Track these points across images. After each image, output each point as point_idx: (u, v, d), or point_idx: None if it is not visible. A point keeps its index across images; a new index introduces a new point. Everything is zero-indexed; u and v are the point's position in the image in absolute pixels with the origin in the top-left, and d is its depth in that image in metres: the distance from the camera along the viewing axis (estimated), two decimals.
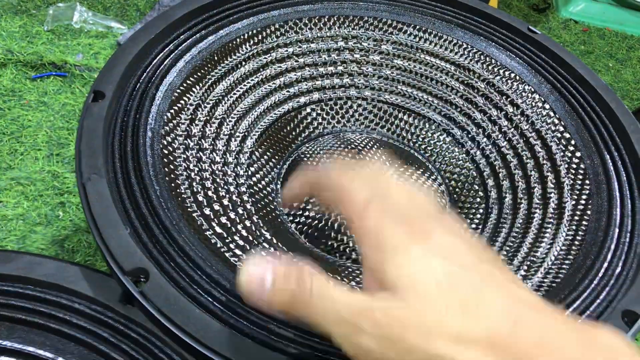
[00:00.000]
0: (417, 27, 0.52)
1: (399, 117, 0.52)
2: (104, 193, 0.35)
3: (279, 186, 0.46)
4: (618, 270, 0.37)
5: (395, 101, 0.52)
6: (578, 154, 0.44)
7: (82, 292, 0.34)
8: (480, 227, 0.46)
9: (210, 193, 0.39)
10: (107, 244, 0.32)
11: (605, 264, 0.37)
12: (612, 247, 0.38)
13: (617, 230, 0.39)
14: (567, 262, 0.39)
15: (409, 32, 0.52)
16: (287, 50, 0.49)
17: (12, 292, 0.34)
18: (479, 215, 0.46)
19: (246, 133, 0.46)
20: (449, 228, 0.26)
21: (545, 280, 0.38)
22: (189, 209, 0.37)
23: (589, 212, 0.41)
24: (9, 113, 0.62)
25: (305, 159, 0.47)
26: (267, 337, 0.31)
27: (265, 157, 0.48)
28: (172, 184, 0.37)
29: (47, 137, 0.61)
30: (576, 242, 0.39)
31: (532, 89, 0.48)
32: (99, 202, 0.34)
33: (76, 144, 0.37)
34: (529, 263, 0.40)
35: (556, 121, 0.46)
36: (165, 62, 0.42)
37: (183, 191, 0.38)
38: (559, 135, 0.45)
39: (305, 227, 0.43)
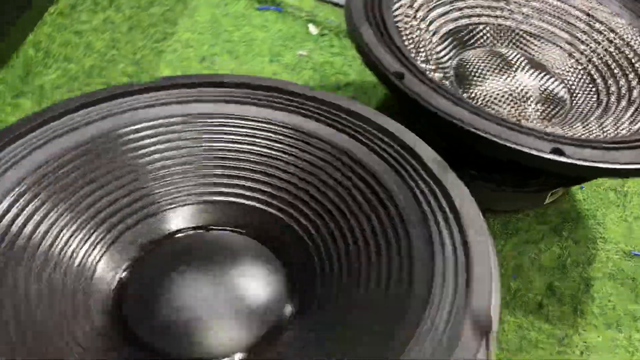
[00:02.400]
0: None
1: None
2: (370, 32, 0.54)
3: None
4: None
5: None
6: None
7: None
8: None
9: None
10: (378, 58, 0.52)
11: None
12: None
13: None
14: None
15: None
16: None
17: None
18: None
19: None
20: None
21: None
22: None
23: None
24: (241, 29, 0.84)
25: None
26: None
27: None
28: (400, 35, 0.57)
29: (268, 49, 0.83)
30: None
31: None
32: (368, 37, 0.54)
33: (348, 9, 0.57)
34: None
35: None
36: None
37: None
38: None
39: None
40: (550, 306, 0.61)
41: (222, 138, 0.48)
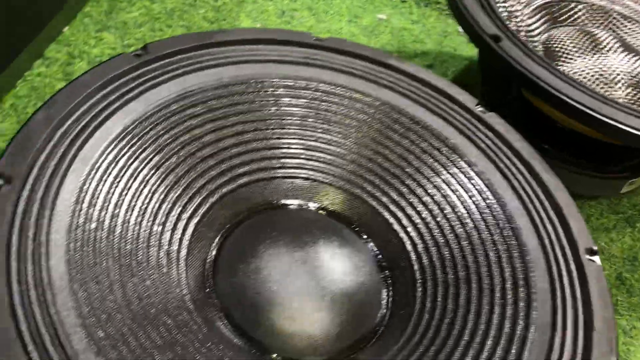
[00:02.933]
0: None
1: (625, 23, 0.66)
2: None
3: None
4: None
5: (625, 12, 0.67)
6: None
7: None
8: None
9: None
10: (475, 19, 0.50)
11: None
12: None
13: None
14: None
15: None
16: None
17: None
18: None
19: (529, 1, 0.63)
20: None
21: None
22: None
23: None
24: None
25: None
26: None
27: (536, 22, 0.64)
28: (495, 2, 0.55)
29: (347, 9, 0.81)
30: None
31: None
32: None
33: None
34: None
35: None
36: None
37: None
38: None
39: None
40: (618, 296, 0.59)
41: (329, 108, 0.48)
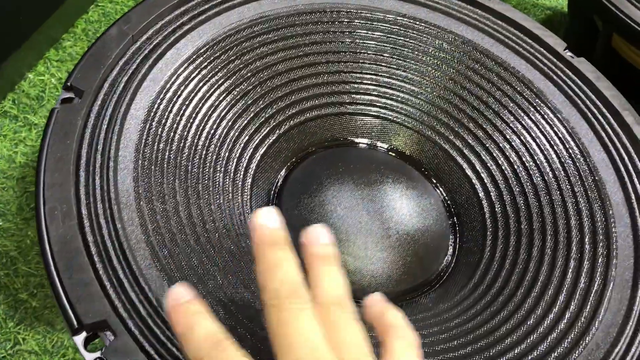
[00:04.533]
0: None
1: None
2: None
3: None
4: None
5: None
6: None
7: None
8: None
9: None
10: None
11: None
12: None
13: None
14: None
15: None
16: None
17: None
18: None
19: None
20: None
21: None
22: None
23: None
24: None
25: None
26: None
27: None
28: None
29: None
30: None
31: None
32: None
33: None
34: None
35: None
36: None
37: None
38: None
39: None
40: None
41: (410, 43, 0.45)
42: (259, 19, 0.42)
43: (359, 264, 0.38)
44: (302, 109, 0.43)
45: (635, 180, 0.39)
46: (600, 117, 0.42)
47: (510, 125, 0.43)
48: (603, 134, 0.41)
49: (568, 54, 0.45)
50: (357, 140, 0.45)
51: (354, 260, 0.38)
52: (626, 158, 0.40)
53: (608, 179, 0.40)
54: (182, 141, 0.36)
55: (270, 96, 0.41)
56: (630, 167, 0.40)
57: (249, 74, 0.41)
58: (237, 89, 0.40)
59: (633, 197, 0.39)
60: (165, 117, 0.36)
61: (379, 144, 0.45)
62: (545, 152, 0.42)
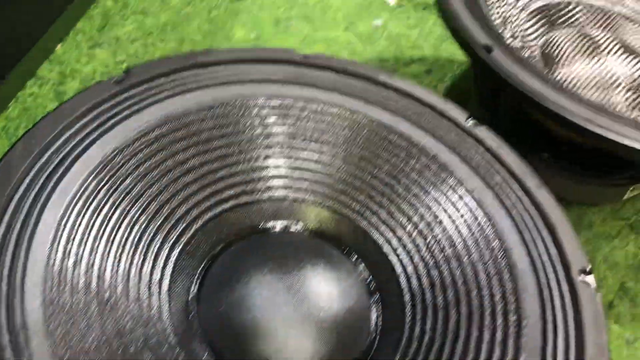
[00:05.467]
0: None
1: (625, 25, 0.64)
2: (459, 3, 0.52)
3: None
4: None
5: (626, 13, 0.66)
6: None
7: None
8: None
9: None
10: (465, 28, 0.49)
11: None
12: None
13: None
14: None
15: None
16: None
17: None
18: None
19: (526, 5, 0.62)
20: None
21: None
22: None
23: None
24: None
25: None
26: None
27: (534, 26, 0.63)
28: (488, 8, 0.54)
29: (343, 17, 0.80)
30: None
31: None
32: (458, 7, 0.51)
33: None
34: None
35: None
36: None
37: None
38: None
39: None
40: (621, 307, 0.58)
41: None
42: (167, 119, 0.43)
43: (284, 357, 0.38)
44: (218, 200, 0.44)
45: (540, 245, 0.41)
46: (503, 184, 0.44)
47: (421, 198, 0.45)
48: (507, 202, 0.43)
49: (470, 123, 0.47)
50: (275, 225, 0.46)
51: (277, 354, 0.38)
52: (530, 224, 0.42)
53: (514, 246, 0.42)
54: (93, 254, 0.36)
55: (183, 193, 0.42)
56: (534, 233, 0.42)
57: (160, 175, 0.41)
58: (149, 191, 0.40)
59: (538, 262, 0.41)
60: (74, 231, 0.36)
61: (296, 227, 0.46)
62: (455, 223, 0.43)
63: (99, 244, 0.37)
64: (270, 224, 0.45)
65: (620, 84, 0.61)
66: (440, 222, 0.44)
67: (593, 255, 0.61)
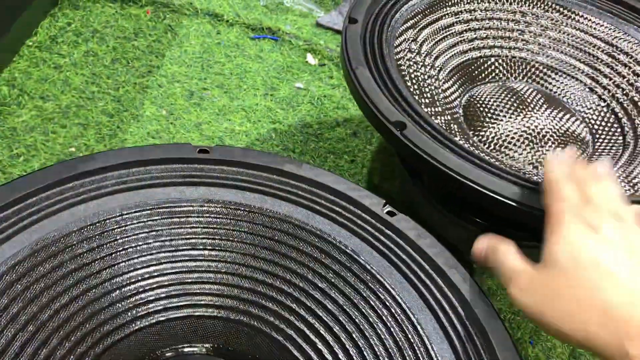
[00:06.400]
0: None
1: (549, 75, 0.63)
2: (367, 76, 0.48)
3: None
4: None
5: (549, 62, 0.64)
6: None
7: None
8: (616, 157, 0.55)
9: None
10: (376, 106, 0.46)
11: None
12: None
13: None
14: None
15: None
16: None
17: None
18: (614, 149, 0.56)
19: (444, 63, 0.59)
20: (623, 228, 0.35)
21: None
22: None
23: None
24: (234, 60, 0.78)
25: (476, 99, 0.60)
26: None
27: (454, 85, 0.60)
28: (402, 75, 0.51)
29: (262, 82, 0.76)
30: None
31: None
32: (365, 82, 0.48)
33: (343, 48, 0.51)
34: None
35: None
36: None
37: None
38: None
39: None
40: None
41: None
42: (39, 244, 0.37)
43: None
44: (105, 332, 0.38)
45: (468, 347, 0.37)
46: (426, 279, 0.40)
47: (340, 304, 0.40)
48: (430, 299, 0.39)
49: (387, 211, 0.43)
50: (173, 350, 0.40)
51: None
52: (457, 322, 0.38)
53: (442, 347, 0.38)
54: None
55: (64, 328, 0.37)
56: (462, 333, 0.38)
57: (32, 313, 0.36)
58: (21, 334, 0.35)
59: None
60: None
61: (196, 349, 0.41)
62: (377, 329, 0.39)
63: None
64: (167, 350, 0.40)
65: (548, 139, 0.59)
66: (363, 332, 0.39)
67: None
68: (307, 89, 0.77)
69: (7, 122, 0.65)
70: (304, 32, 0.84)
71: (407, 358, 0.37)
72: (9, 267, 0.36)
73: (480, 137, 0.58)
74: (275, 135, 0.70)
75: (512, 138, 0.59)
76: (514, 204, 0.43)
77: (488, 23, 0.65)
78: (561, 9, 0.66)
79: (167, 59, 0.76)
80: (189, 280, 0.40)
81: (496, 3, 0.66)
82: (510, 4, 0.66)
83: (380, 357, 0.38)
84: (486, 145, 0.58)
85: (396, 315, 0.39)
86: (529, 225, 0.44)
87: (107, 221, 0.39)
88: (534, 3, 0.66)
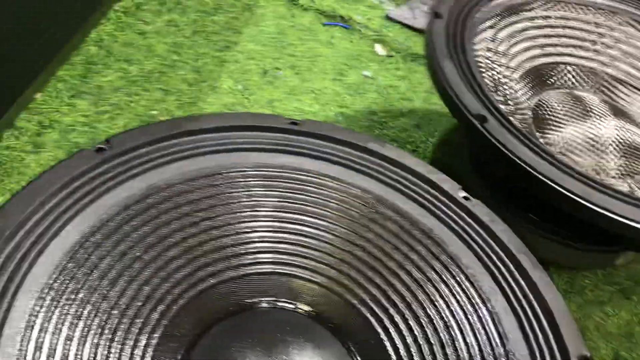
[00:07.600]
0: None
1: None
2: (451, 69, 0.51)
3: None
4: None
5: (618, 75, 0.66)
6: None
7: None
8: None
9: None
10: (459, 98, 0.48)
11: None
12: None
13: None
14: None
15: None
16: None
17: None
18: None
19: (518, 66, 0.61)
20: None
21: None
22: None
23: None
24: (306, 44, 0.81)
25: None
26: None
27: (525, 87, 0.62)
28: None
29: (332, 67, 0.79)
30: None
31: None
32: (450, 74, 0.50)
33: (429, 40, 0.54)
34: None
35: None
36: None
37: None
38: None
39: None
40: None
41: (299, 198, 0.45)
42: (149, 192, 0.41)
43: None
44: (202, 277, 0.41)
45: (537, 330, 0.40)
46: (498, 262, 0.43)
47: (414, 276, 0.43)
48: (502, 281, 0.42)
49: (462, 197, 0.46)
50: (262, 302, 0.43)
51: None
52: (526, 305, 0.41)
53: (511, 328, 0.40)
54: (67, 344, 0.34)
55: (165, 270, 0.40)
56: (530, 315, 0.40)
57: (141, 252, 0.39)
58: (129, 271, 0.38)
59: (535, 348, 0.39)
60: (47, 320, 0.33)
61: (285, 304, 0.44)
62: (449, 303, 0.42)
63: (73, 332, 0.34)
64: (258, 302, 0.43)
65: (612, 149, 0.61)
66: (435, 302, 0.42)
67: (585, 323, 0.60)
68: (374, 78, 0.79)
69: (94, 80, 0.68)
70: (373, 23, 0.87)
71: (476, 332, 0.40)
72: (121, 207, 0.39)
73: (547, 140, 0.60)
74: (342, 119, 0.73)
75: (576, 144, 0.61)
76: (587, 204, 0.45)
77: (562, 31, 0.67)
78: (637, 25, 0.67)
79: (245, 36, 0.79)
80: (282, 239, 0.43)
81: (571, 12, 0.68)
82: (586, 14, 0.68)
83: (450, 329, 0.40)
84: (552, 148, 0.60)
85: (466, 290, 0.42)
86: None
87: (211, 177, 0.43)
88: (610, 16, 0.68)
